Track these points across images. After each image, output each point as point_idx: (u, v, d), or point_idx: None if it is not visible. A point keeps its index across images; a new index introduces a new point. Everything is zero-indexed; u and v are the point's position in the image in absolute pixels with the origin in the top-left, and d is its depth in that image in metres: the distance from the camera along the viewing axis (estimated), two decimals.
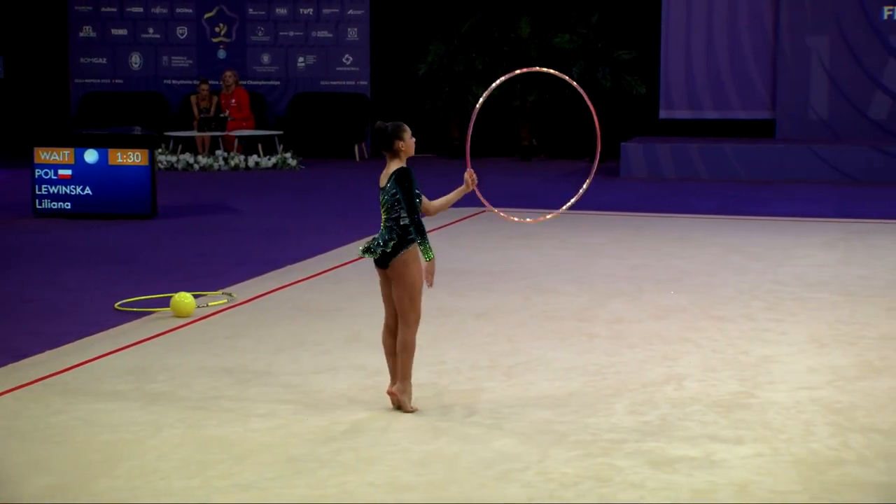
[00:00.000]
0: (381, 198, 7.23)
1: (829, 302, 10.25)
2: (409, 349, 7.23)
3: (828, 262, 11.79)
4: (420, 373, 7.81)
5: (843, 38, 18.02)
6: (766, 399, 7.61)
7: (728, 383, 7.95)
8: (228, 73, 21.14)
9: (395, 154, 7.20)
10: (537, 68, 7.65)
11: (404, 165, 7.19)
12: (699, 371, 8.23)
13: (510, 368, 8.28)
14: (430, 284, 7.23)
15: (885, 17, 17.88)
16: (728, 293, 10.61)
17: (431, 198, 7.44)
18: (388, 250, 7.12)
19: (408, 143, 7.21)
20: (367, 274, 9.95)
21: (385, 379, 7.52)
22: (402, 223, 7.14)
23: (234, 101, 20.94)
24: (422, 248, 7.15)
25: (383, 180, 7.21)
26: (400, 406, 7.27)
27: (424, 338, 9.12)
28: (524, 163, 20.54)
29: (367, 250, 7.21)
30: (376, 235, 7.22)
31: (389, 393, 7.29)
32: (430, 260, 7.17)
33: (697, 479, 6.22)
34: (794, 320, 9.66)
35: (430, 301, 10.25)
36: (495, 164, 19.97)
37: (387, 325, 7.37)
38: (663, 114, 19.21)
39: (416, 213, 7.14)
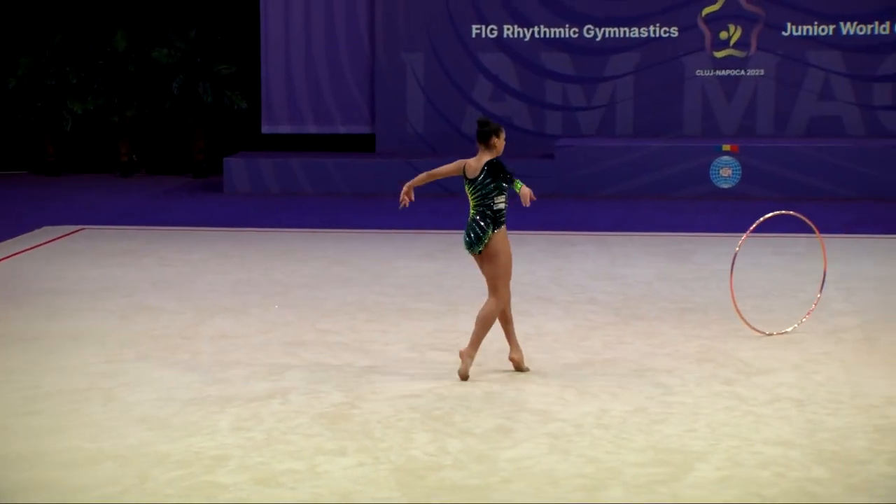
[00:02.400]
0: (468, 188, 8.33)
1: (431, 312, 10.53)
2: (489, 321, 8.36)
3: (428, 274, 12.12)
4: (11, 399, 7.46)
5: (435, 54, 18.65)
6: (369, 409, 7.73)
7: (332, 395, 8.03)
8: None
9: (489, 148, 8.33)
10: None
11: (494, 159, 8.26)
12: (304, 384, 8.27)
13: (110, 390, 8.05)
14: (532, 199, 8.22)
15: (475, 34, 18.63)
16: (332, 305, 10.72)
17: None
18: (488, 239, 8.26)
19: (501, 142, 8.38)
20: None
21: None
22: (495, 208, 8.27)
23: None
24: (514, 185, 8.18)
25: (473, 172, 8.31)
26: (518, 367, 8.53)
27: (14, 361, 8.73)
28: (124, 179, 20.09)
29: (471, 245, 8.34)
30: (470, 226, 8.30)
31: (511, 359, 8.58)
32: (519, 187, 8.15)
33: (301, 491, 6.24)
34: (398, 330, 9.87)
35: (16, 324, 9.82)
36: (94, 181, 19.42)
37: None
38: (265, 128, 19.25)
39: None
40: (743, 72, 18.19)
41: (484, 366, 8.78)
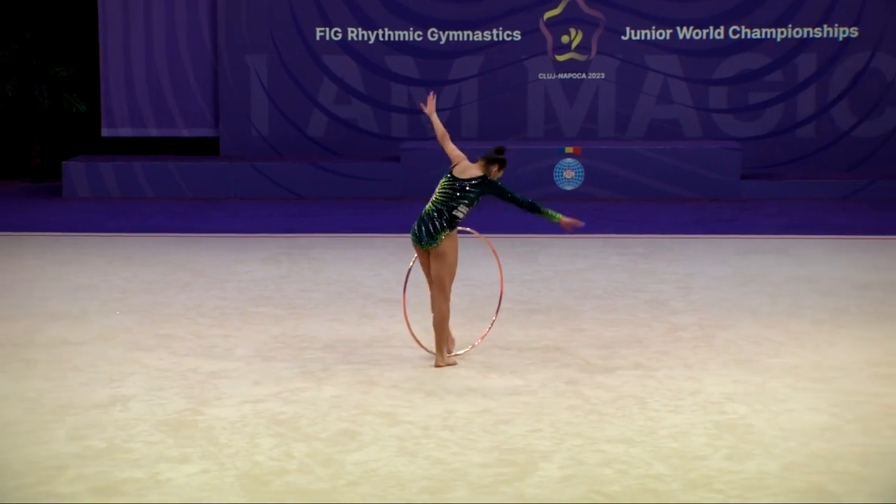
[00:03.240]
0: (447, 182, 8.74)
1: (273, 316, 10.44)
2: (443, 323, 8.76)
3: (271, 277, 12.02)
4: None
5: (280, 57, 18.52)
6: (213, 415, 7.63)
7: (175, 401, 7.91)
8: None
9: (488, 170, 8.78)
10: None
11: (494, 179, 8.74)
12: (145, 391, 8.13)
13: None
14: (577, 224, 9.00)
15: (319, 37, 18.55)
16: (175, 311, 10.56)
17: None
18: (442, 238, 8.66)
19: (498, 174, 8.86)
20: None
21: None
22: (455, 213, 8.72)
23: None
24: (546, 215, 8.82)
25: (462, 174, 8.74)
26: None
27: None
28: None
29: (422, 240, 8.72)
30: (424, 220, 8.67)
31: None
32: (559, 219, 8.84)
33: (144, 500, 6.12)
34: (241, 335, 9.76)
35: None
36: None
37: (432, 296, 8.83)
38: (105, 132, 18.88)
39: (525, 198, 8.82)
40: (584, 75, 18.45)
41: (331, 370, 8.75)
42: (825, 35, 18.04)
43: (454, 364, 8.91)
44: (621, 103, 18.43)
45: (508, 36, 18.46)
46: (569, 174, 17.50)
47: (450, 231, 8.79)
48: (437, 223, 8.77)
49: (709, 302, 10.90)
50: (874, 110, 17.98)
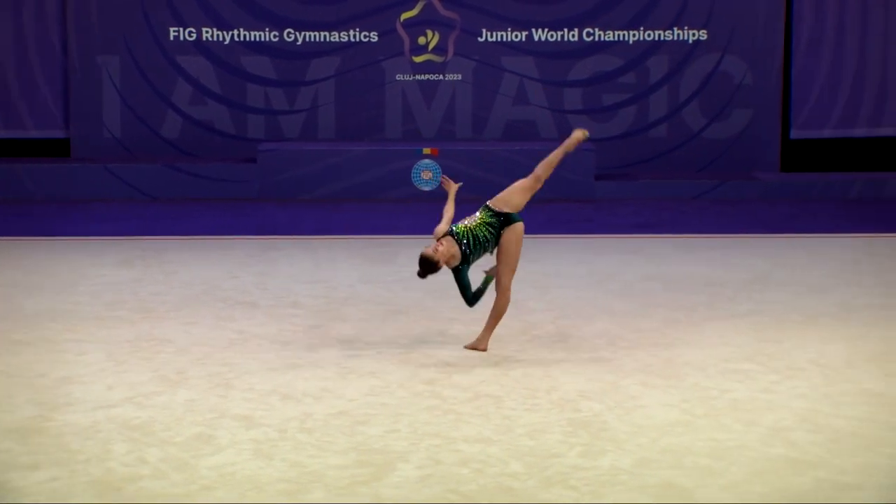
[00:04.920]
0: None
1: (127, 319, 10.28)
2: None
3: (124, 280, 11.83)
4: None
5: (132, 57, 18.25)
6: (64, 421, 7.48)
7: (24, 408, 7.74)
8: None
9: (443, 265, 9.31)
10: None
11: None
12: None
13: None
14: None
15: (172, 37, 18.32)
16: (24, 315, 10.33)
17: None
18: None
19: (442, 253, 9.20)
20: None
21: None
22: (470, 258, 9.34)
23: None
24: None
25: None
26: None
27: None
28: None
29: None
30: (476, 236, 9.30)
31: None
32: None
33: None
34: (93, 339, 9.59)
35: None
36: None
37: None
38: None
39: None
40: (441, 76, 18.53)
41: (186, 373, 8.64)
42: (676, 38, 18.39)
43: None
44: (478, 104, 18.55)
45: (365, 37, 18.45)
46: (427, 175, 17.55)
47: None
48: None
49: (564, 301, 11.02)
50: (723, 112, 18.39)
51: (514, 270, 9.45)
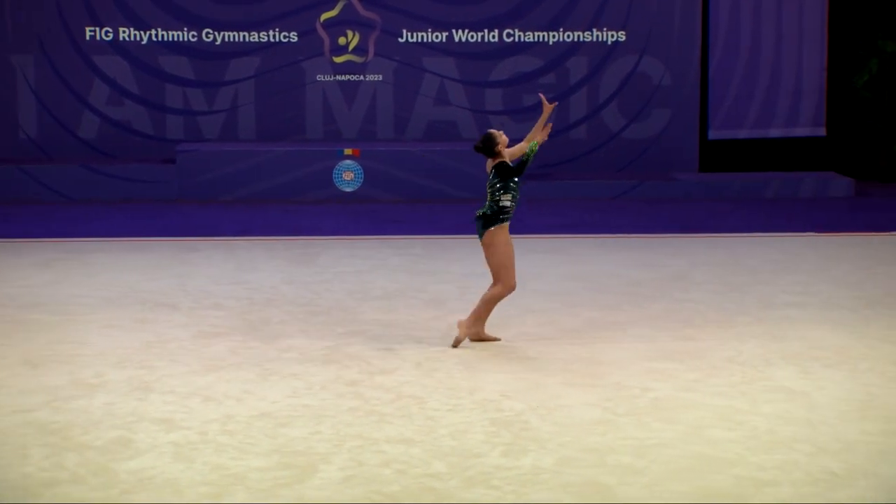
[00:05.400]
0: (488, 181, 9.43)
1: (45, 322, 10.14)
2: (492, 302, 9.44)
3: (42, 283, 11.67)
4: None
5: (47, 57, 18.02)
6: None
7: None
8: None
9: (494, 158, 9.45)
10: None
11: (502, 162, 9.39)
12: None
13: None
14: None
15: (89, 37, 18.11)
16: None
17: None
18: (479, 217, 9.38)
19: (503, 144, 9.43)
20: None
21: None
22: (501, 205, 9.39)
23: None
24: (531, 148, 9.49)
25: (488, 168, 9.49)
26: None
27: None
28: None
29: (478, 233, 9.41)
30: (476, 217, 9.41)
31: (459, 323, 9.46)
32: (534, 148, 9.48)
33: None
34: (10, 342, 9.46)
35: None
36: None
37: None
38: None
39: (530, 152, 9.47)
40: (362, 77, 18.50)
41: (105, 377, 8.54)
42: (595, 39, 18.52)
43: (457, 345, 9.40)
44: (399, 105, 18.55)
45: (285, 37, 18.37)
46: (348, 176, 17.51)
47: (496, 225, 9.36)
48: (480, 219, 9.45)
49: None
50: (642, 113, 18.54)
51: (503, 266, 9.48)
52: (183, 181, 17.32)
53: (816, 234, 14.53)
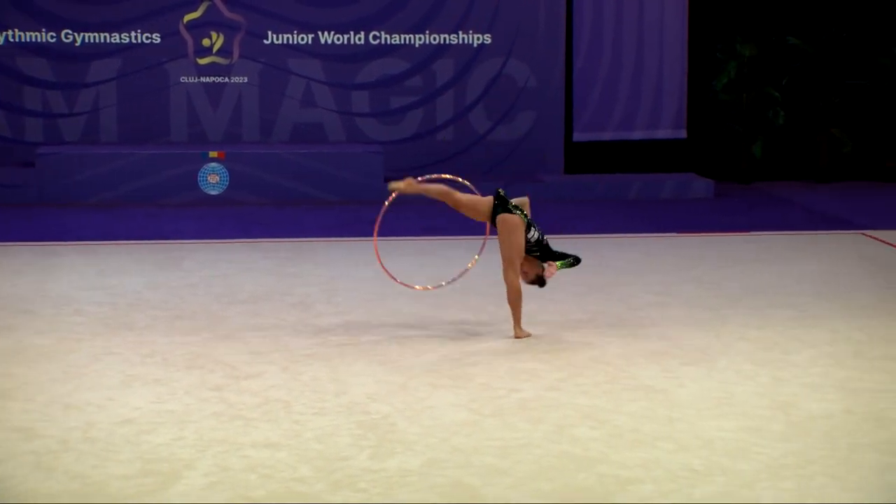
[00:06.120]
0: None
1: None
2: (515, 299, 9.76)
3: None
4: None
5: None
6: None
7: None
8: None
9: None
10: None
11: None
12: None
13: None
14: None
15: None
16: None
17: None
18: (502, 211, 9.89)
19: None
20: None
21: None
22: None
23: None
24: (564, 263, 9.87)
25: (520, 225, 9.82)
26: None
27: None
28: None
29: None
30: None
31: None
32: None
33: None
34: None
35: None
36: None
37: None
38: None
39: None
40: (227, 79, 18.34)
41: None
42: (461, 41, 18.62)
43: (529, 336, 9.79)
44: (265, 107, 18.43)
45: (147, 38, 18.12)
46: (213, 179, 17.35)
47: (520, 214, 9.84)
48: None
49: (354, 304, 11.04)
50: (508, 115, 18.69)
51: (508, 261, 9.73)
52: (43, 185, 16.99)
53: (678, 234, 14.80)
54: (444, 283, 10.80)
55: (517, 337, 9.79)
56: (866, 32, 19.73)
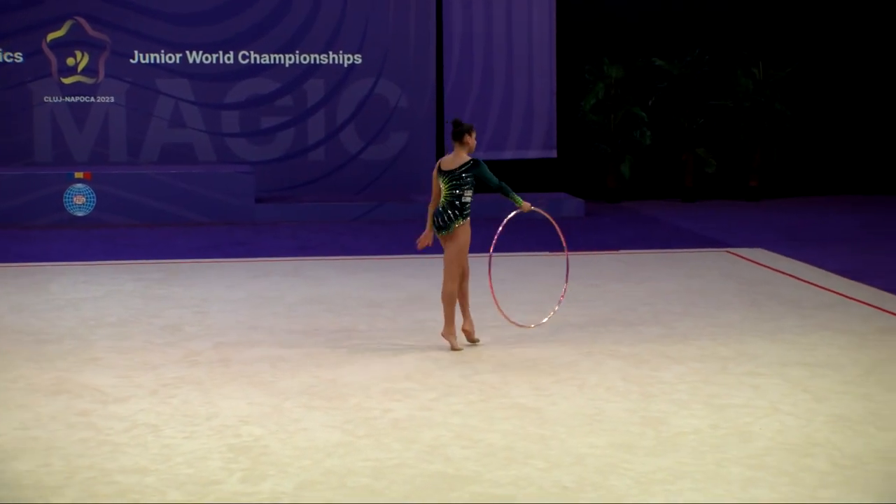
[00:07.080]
0: (443, 180, 9.71)
1: None
2: (450, 298, 9.87)
3: None
4: None
5: None
6: None
7: None
8: None
9: (463, 145, 9.72)
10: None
11: (477, 159, 9.69)
12: None
13: None
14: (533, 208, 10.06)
15: None
16: None
17: None
18: (458, 224, 9.73)
19: (473, 139, 9.76)
20: None
21: None
22: (463, 200, 9.73)
23: None
24: (513, 198, 9.81)
25: (449, 165, 9.71)
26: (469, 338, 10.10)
27: None
28: None
29: (441, 229, 9.78)
30: (441, 214, 9.75)
31: (463, 330, 10.06)
32: (521, 204, 9.85)
33: None
34: None
35: None
36: None
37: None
38: None
39: (500, 182, 9.78)
40: (93, 98, 18.07)
41: None
42: (331, 61, 18.60)
43: (458, 348, 9.92)
44: (133, 127, 18.20)
45: (10, 57, 17.78)
46: (79, 200, 17.06)
47: (462, 220, 9.76)
48: (450, 213, 9.73)
49: (225, 325, 10.93)
50: (379, 135, 18.71)
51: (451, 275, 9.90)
52: None
53: (549, 253, 14.93)
54: (552, 312, 10.90)
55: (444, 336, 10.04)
56: (729, 54, 20.17)
